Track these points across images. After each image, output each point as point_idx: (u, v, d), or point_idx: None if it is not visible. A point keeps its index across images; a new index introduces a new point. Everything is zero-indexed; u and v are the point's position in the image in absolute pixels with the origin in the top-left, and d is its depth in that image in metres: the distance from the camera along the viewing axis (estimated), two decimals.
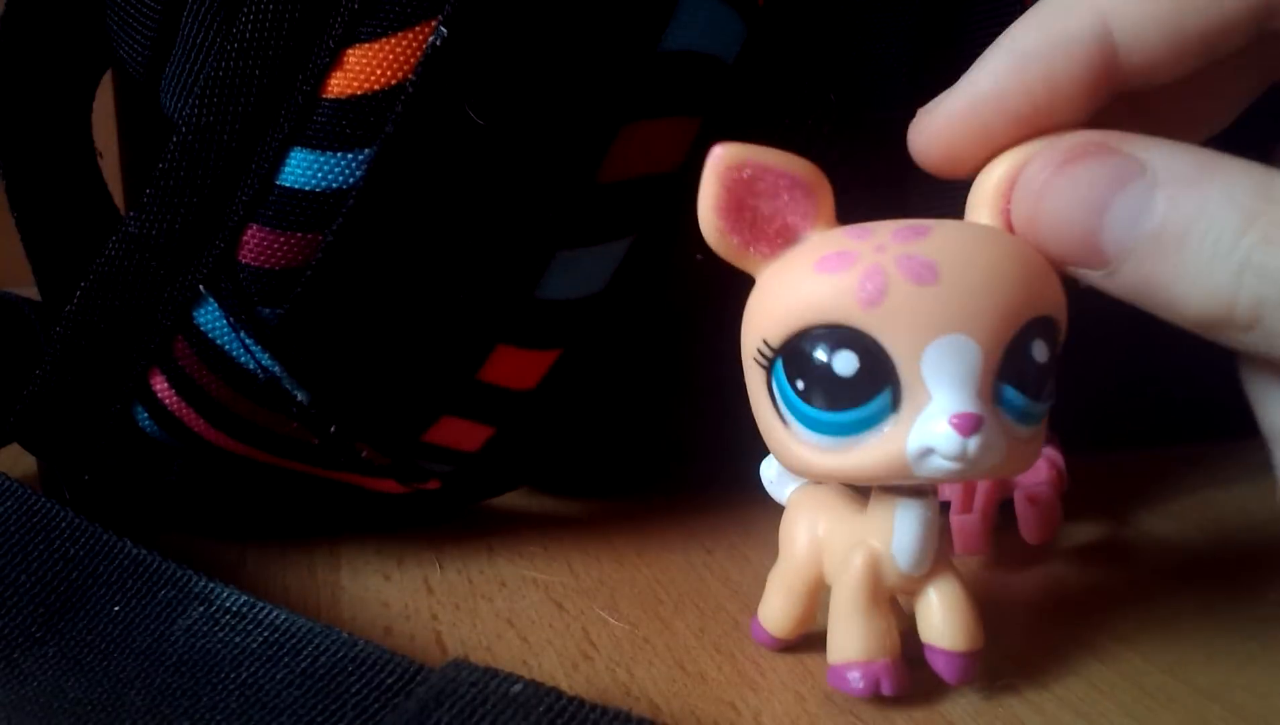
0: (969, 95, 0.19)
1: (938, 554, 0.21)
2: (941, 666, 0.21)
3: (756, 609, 0.23)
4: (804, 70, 0.27)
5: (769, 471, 0.24)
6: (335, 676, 0.20)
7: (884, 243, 0.18)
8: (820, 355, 0.18)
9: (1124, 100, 0.19)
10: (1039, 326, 0.19)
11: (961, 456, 0.18)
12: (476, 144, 0.22)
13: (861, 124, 0.28)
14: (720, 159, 0.18)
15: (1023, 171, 0.19)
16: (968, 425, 0.17)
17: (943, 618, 0.21)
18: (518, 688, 0.18)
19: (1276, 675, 0.23)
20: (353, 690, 0.20)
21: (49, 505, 0.24)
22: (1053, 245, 0.19)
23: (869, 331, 0.18)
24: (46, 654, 0.22)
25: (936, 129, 0.20)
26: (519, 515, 0.31)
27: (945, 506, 0.29)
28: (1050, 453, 0.30)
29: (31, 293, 0.31)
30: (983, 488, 0.28)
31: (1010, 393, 0.18)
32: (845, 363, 0.18)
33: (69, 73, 0.29)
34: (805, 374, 0.18)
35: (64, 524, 0.24)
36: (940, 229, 0.18)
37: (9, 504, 0.24)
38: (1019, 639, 0.24)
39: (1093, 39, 0.19)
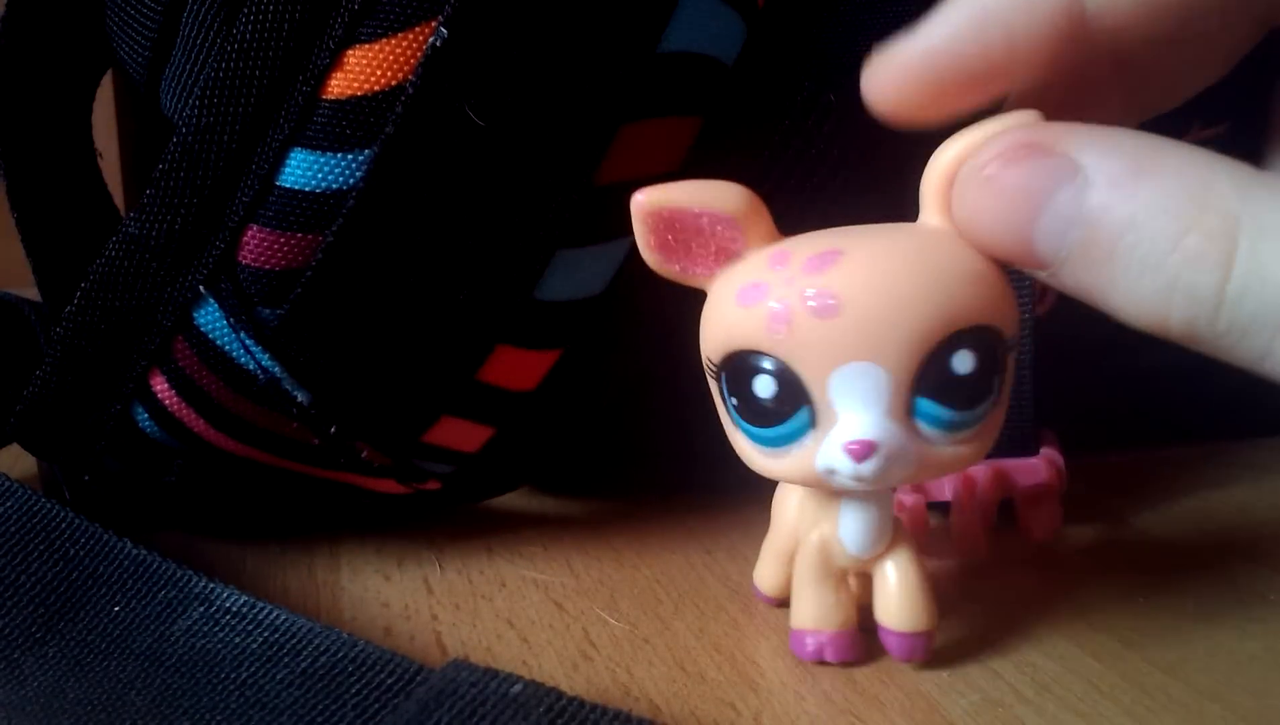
0: (925, 48, 0.19)
1: (891, 537, 0.22)
2: (891, 645, 0.22)
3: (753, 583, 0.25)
4: (804, 70, 0.27)
5: None
6: (335, 677, 0.20)
7: (794, 275, 0.19)
8: (745, 378, 0.20)
9: (1104, 57, 0.19)
10: (963, 338, 0.19)
11: (859, 478, 0.19)
12: (476, 145, 0.22)
13: (861, 124, 0.28)
14: (639, 206, 0.20)
15: (960, 171, 0.18)
16: (861, 452, 0.19)
17: (891, 599, 0.22)
18: (518, 688, 0.18)
19: (1276, 675, 0.23)
20: (353, 690, 0.20)
21: (49, 505, 0.24)
22: (991, 249, 0.18)
23: (782, 358, 0.19)
24: (47, 654, 0.22)
25: (889, 76, 0.19)
26: (519, 515, 0.31)
27: (944, 506, 0.29)
28: (1050, 453, 0.30)
29: (31, 293, 0.31)
30: (982, 488, 0.28)
31: (927, 406, 0.19)
32: (764, 386, 0.19)
33: (69, 73, 0.29)
34: (736, 393, 0.20)
35: (64, 524, 0.24)
36: (852, 255, 0.19)
37: (9, 504, 0.24)
38: (1019, 639, 0.24)
39: None
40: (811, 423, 0.19)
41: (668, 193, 0.20)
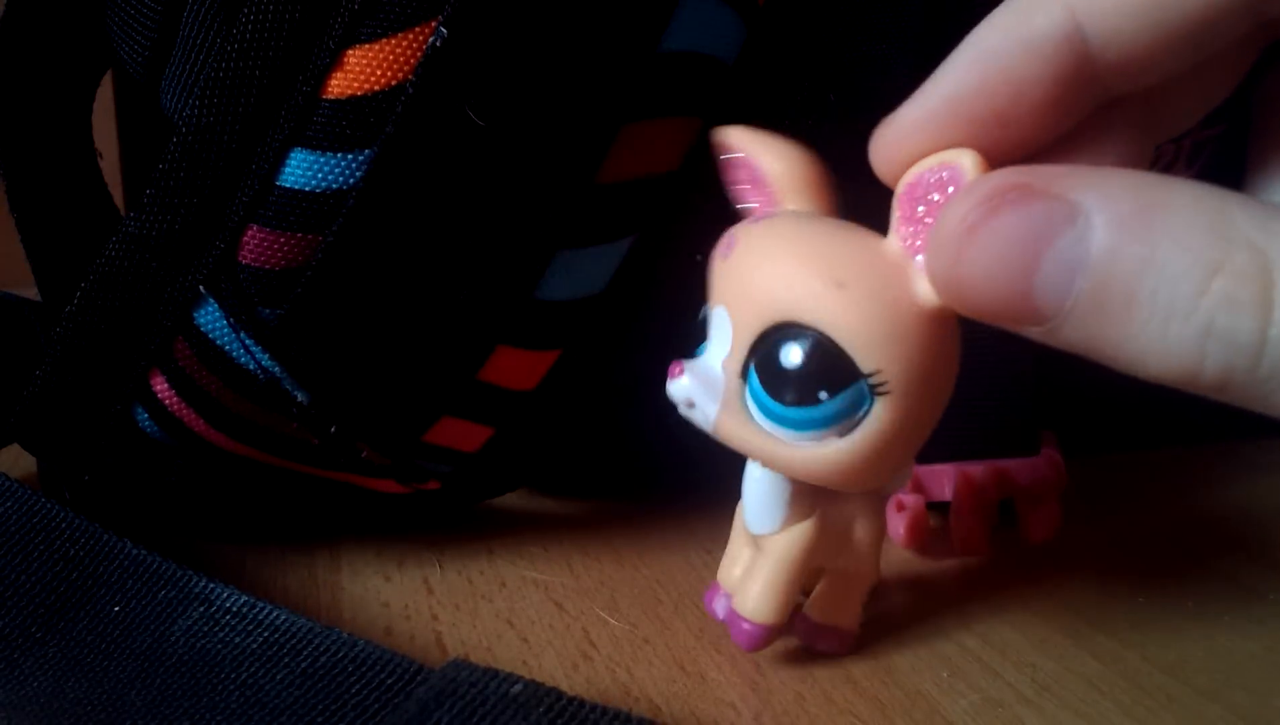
0: (928, 102, 0.18)
1: (784, 524, 0.22)
2: (729, 621, 0.23)
3: None
4: (804, 70, 0.27)
5: None
6: (335, 676, 0.20)
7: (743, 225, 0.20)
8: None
9: (1111, 92, 0.18)
10: (796, 332, 0.19)
11: (680, 405, 0.20)
12: (476, 145, 0.22)
13: (861, 124, 0.28)
14: (714, 142, 0.22)
15: (937, 221, 0.17)
16: (673, 370, 0.20)
17: (743, 577, 0.23)
18: (518, 688, 0.18)
19: (1276, 675, 0.23)
20: (353, 690, 0.20)
21: (49, 505, 0.24)
22: (980, 307, 0.16)
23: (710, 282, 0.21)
24: (46, 654, 0.22)
25: (894, 141, 0.18)
26: (519, 515, 0.31)
27: (944, 506, 0.29)
28: (1050, 453, 0.30)
29: (31, 293, 0.31)
30: (982, 488, 0.28)
31: (753, 378, 0.19)
32: (703, 312, 0.21)
33: (69, 73, 0.29)
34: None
35: (64, 524, 0.24)
36: (779, 217, 0.20)
37: (9, 504, 0.24)
38: (1019, 639, 0.24)
39: (1061, 38, 0.17)
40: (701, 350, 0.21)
41: (737, 136, 0.21)
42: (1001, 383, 0.29)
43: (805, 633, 0.23)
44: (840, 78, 0.27)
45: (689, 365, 0.20)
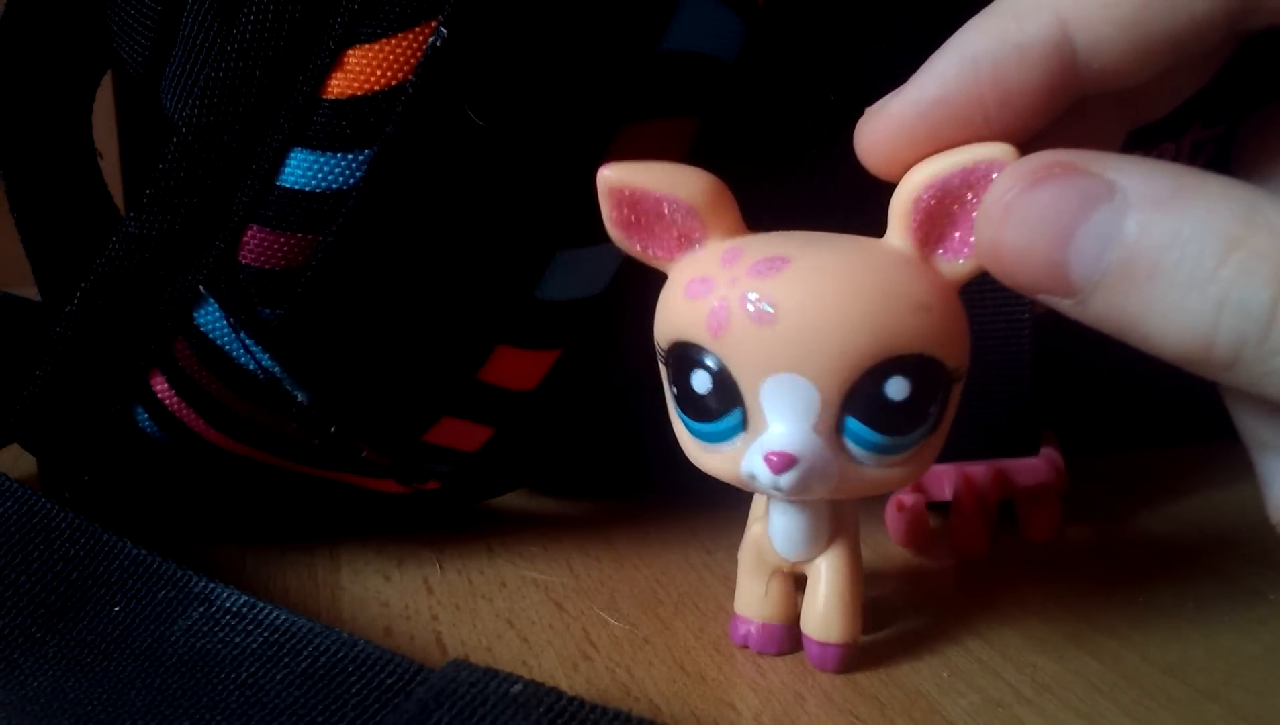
0: (915, 99, 0.18)
1: (825, 542, 0.22)
2: (807, 651, 0.23)
3: None
4: (804, 70, 0.27)
5: None
6: (335, 676, 0.20)
7: (738, 276, 0.19)
8: (685, 370, 0.20)
9: (1093, 90, 0.18)
10: (899, 365, 0.19)
11: (776, 488, 0.19)
12: (476, 145, 0.22)
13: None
14: (604, 180, 0.20)
15: (987, 193, 0.17)
16: (780, 464, 0.19)
17: (810, 605, 0.22)
18: (518, 688, 0.18)
19: (1276, 675, 0.23)
20: (353, 690, 0.20)
21: (49, 505, 0.24)
22: (1017, 273, 0.17)
23: (719, 356, 0.19)
24: (46, 654, 0.22)
25: (882, 132, 0.19)
26: (519, 515, 0.31)
27: (944, 506, 0.29)
28: (1050, 453, 0.30)
29: (31, 293, 0.31)
30: (982, 488, 0.28)
31: (856, 426, 0.19)
32: (701, 381, 0.20)
33: (69, 73, 0.29)
34: (677, 383, 0.20)
35: (64, 524, 0.24)
36: (798, 265, 0.19)
37: (9, 504, 0.24)
38: (1019, 639, 0.24)
39: (1050, 44, 0.17)
40: (743, 425, 0.19)
41: (632, 173, 0.20)
42: (1001, 383, 0.29)
43: (812, 654, 0.23)
44: (840, 78, 0.27)
45: (794, 450, 0.19)
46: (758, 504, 0.23)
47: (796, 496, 0.20)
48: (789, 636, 0.23)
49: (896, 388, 0.19)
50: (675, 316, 0.20)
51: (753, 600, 0.23)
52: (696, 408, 0.20)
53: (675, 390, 0.20)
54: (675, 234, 0.20)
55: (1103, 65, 0.17)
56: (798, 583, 0.23)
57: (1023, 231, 0.17)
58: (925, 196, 0.19)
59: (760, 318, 0.18)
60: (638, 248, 0.21)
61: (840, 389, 0.19)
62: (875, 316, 0.18)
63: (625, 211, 0.20)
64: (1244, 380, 0.16)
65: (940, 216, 0.19)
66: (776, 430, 0.19)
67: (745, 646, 0.23)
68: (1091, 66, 0.17)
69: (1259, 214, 0.15)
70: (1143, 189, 0.16)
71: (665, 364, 0.21)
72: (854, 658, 0.22)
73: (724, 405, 0.19)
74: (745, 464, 0.19)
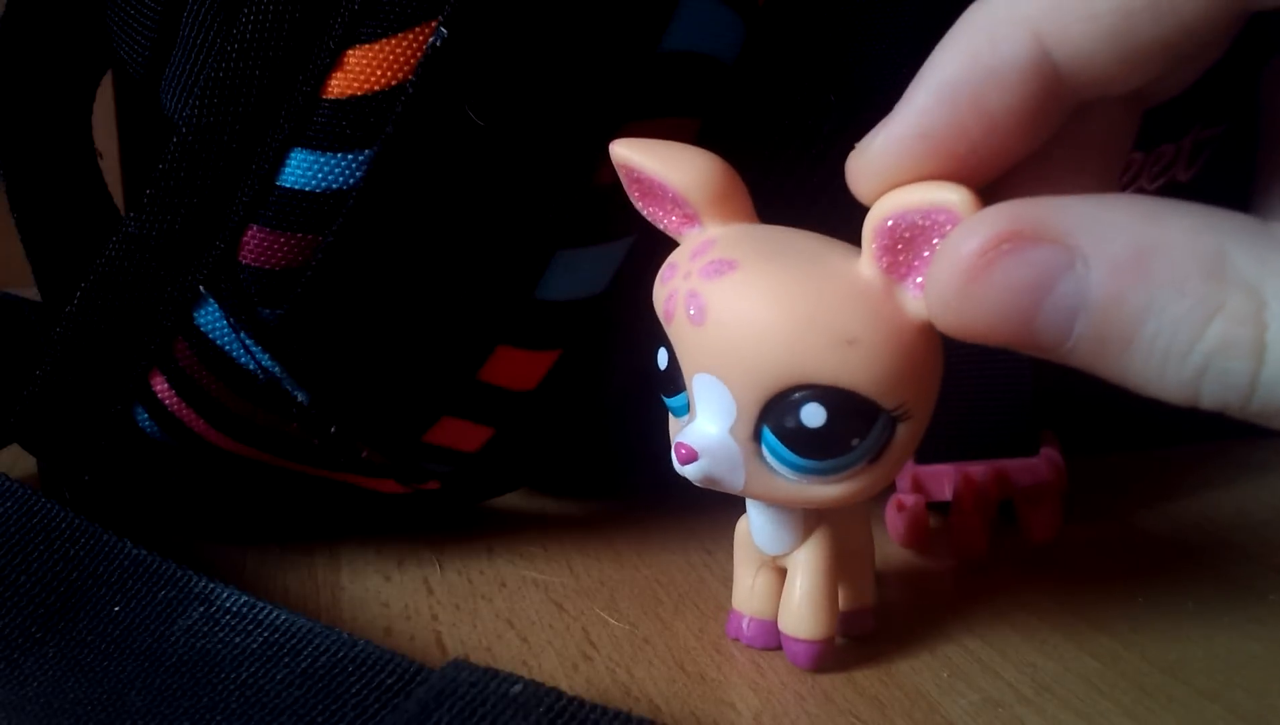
0: (898, 136, 0.18)
1: (800, 539, 0.22)
2: (785, 648, 0.23)
3: None
4: (804, 70, 0.27)
5: None
6: (335, 676, 0.20)
7: (692, 271, 0.19)
8: (656, 343, 0.21)
9: (1088, 96, 0.18)
10: (815, 393, 0.18)
11: (690, 477, 0.20)
12: (476, 145, 0.22)
13: (861, 124, 0.27)
14: (613, 153, 0.21)
15: (936, 258, 0.17)
16: (683, 456, 0.20)
17: (785, 602, 0.22)
18: (518, 688, 0.18)
19: (1276, 675, 0.23)
20: (353, 690, 0.20)
21: (49, 505, 0.24)
22: (987, 339, 0.16)
23: (672, 340, 0.20)
24: (46, 654, 0.22)
25: (869, 169, 0.18)
26: (519, 515, 0.31)
27: (944, 506, 0.29)
28: (1050, 453, 0.30)
29: (31, 293, 0.31)
30: (982, 488, 0.28)
31: (772, 441, 0.19)
32: (661, 358, 0.21)
33: (69, 73, 0.29)
34: (652, 354, 0.21)
35: (64, 524, 0.24)
36: (743, 272, 0.19)
37: (9, 504, 0.24)
38: (1019, 639, 0.24)
39: (1029, 64, 0.17)
40: (686, 408, 0.20)
41: (635, 151, 0.20)
42: (1001, 383, 0.29)
43: (790, 651, 0.23)
44: (840, 78, 0.27)
45: (698, 446, 0.19)
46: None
47: (708, 487, 0.20)
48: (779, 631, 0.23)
49: (811, 414, 0.18)
50: (654, 295, 0.21)
51: (741, 593, 0.24)
52: (660, 380, 0.21)
53: (655, 358, 0.21)
54: (678, 211, 0.21)
55: (1093, 77, 0.17)
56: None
57: (984, 308, 0.16)
58: (886, 229, 0.18)
59: (694, 318, 0.19)
60: (648, 212, 0.21)
61: (756, 402, 0.19)
62: (795, 342, 0.18)
63: (633, 186, 0.21)
64: (1237, 415, 0.16)
65: (905, 251, 0.18)
66: (698, 423, 0.20)
67: (738, 640, 0.24)
68: (1080, 79, 0.17)
69: (1231, 268, 0.15)
70: (1104, 252, 0.15)
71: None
72: (829, 654, 0.22)
73: (675, 386, 0.20)
74: (673, 445, 0.20)
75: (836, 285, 0.18)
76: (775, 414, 0.19)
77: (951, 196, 0.17)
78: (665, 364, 0.21)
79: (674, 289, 0.20)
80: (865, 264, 0.18)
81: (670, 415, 0.22)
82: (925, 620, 0.25)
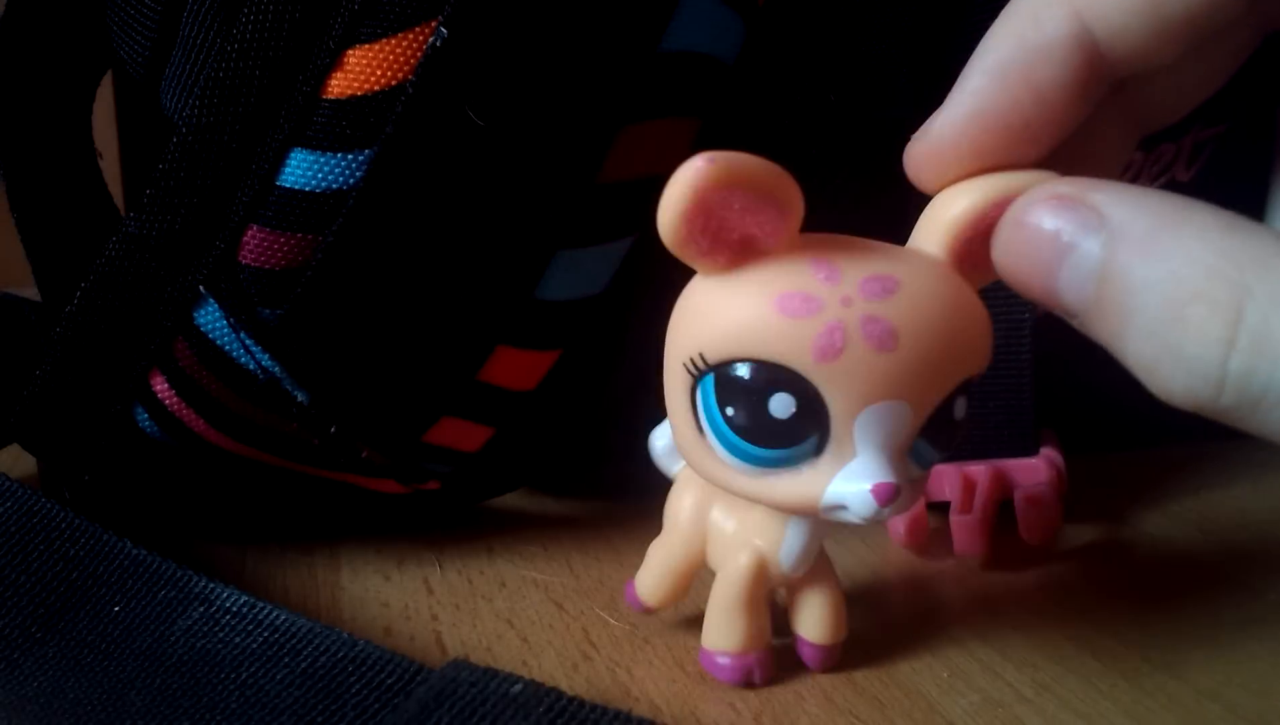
0: (956, 117, 0.19)
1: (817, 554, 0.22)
2: (808, 656, 0.22)
3: (632, 588, 0.24)
4: (804, 70, 0.27)
5: (659, 443, 0.24)
6: (335, 676, 0.20)
7: (850, 296, 0.17)
8: (758, 390, 0.18)
9: (1113, 92, 0.19)
10: (965, 386, 0.19)
11: (874, 518, 0.18)
12: (476, 145, 0.22)
13: (861, 124, 0.28)
14: (703, 174, 0.17)
15: (1002, 217, 0.18)
16: (886, 496, 0.18)
17: (815, 614, 0.22)
18: (518, 688, 0.18)
19: (1276, 675, 0.23)
20: (353, 690, 0.20)
21: (49, 505, 0.24)
22: (1025, 293, 0.18)
23: (814, 382, 0.17)
24: (46, 654, 0.22)
25: (929, 154, 0.19)
26: (519, 515, 0.31)
27: (944, 506, 0.29)
28: (1050, 453, 0.30)
29: (31, 293, 0.31)
30: (982, 488, 0.28)
31: (923, 447, 0.19)
32: (782, 405, 0.18)
33: (69, 73, 0.29)
34: (736, 402, 0.18)
35: (64, 524, 0.24)
36: (907, 285, 0.18)
37: (9, 504, 0.24)
38: (1019, 639, 0.24)
39: (1072, 40, 0.18)
40: (816, 451, 0.18)
41: (739, 169, 0.17)
42: (1001, 383, 0.29)
43: (816, 658, 0.23)
44: (840, 78, 0.27)
45: (898, 479, 0.18)
46: (735, 531, 0.22)
47: (872, 522, 0.19)
48: (777, 655, 0.23)
49: (960, 407, 0.19)
50: (760, 332, 0.17)
51: (748, 635, 0.22)
52: (764, 432, 0.18)
53: (730, 410, 0.18)
54: (739, 237, 0.18)
55: (1124, 51, 0.18)
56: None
57: (1023, 254, 0.17)
58: (966, 225, 0.19)
59: (884, 342, 0.17)
60: (693, 248, 0.18)
61: (928, 413, 0.18)
62: (970, 341, 0.19)
63: (707, 206, 0.17)
64: (1214, 416, 0.16)
65: (979, 240, 0.19)
66: (870, 459, 0.18)
67: (750, 685, 0.22)
68: (1115, 54, 0.18)
69: (1227, 261, 0.15)
70: (1128, 222, 0.16)
71: (704, 376, 0.18)
72: (841, 652, 0.23)
73: (805, 430, 0.18)
74: (832, 492, 0.18)
75: (958, 280, 0.19)
76: (936, 421, 0.18)
77: (1031, 179, 0.18)
78: (791, 412, 0.18)
79: (836, 319, 0.17)
80: (935, 250, 0.19)
81: (748, 466, 0.18)
82: (925, 620, 0.25)
